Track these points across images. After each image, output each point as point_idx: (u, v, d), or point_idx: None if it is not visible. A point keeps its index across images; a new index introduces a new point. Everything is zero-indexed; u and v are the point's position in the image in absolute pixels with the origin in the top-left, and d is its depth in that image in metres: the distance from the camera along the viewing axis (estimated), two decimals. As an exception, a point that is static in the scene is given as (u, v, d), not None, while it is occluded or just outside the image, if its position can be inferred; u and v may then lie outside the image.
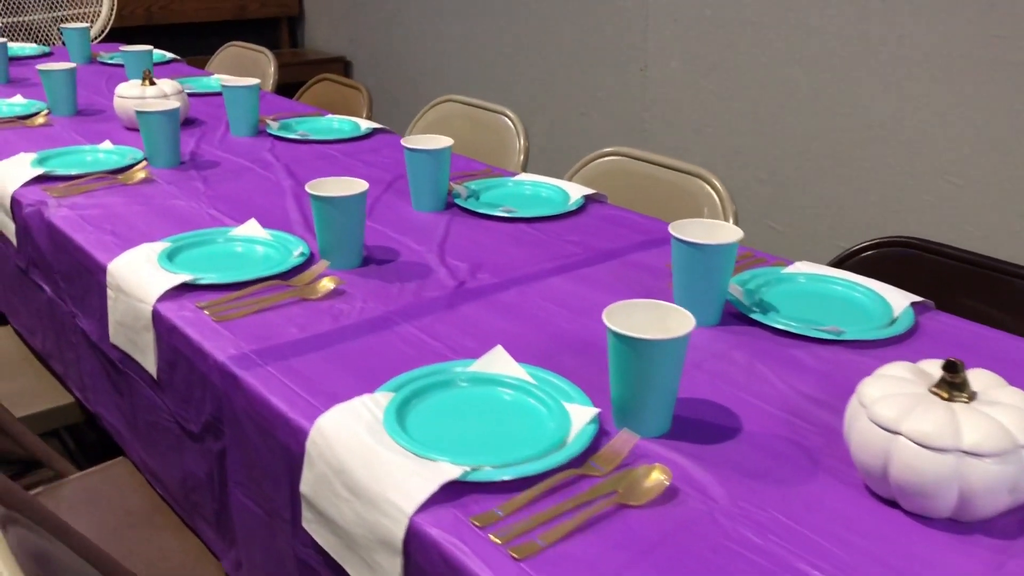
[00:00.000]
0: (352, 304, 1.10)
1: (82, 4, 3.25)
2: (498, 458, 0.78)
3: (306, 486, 0.84)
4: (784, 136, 2.62)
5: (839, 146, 2.46)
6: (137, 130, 1.89)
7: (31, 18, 3.24)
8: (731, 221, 1.51)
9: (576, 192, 1.50)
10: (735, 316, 1.08)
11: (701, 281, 1.04)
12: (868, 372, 0.81)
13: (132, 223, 1.36)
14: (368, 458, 0.79)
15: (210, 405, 1.01)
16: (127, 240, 1.28)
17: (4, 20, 3.20)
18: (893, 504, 0.75)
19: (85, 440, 1.71)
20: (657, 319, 0.84)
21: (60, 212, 1.40)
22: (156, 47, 2.77)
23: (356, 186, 1.20)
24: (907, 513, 0.74)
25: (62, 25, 2.62)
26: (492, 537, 0.70)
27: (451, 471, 0.76)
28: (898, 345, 1.03)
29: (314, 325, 1.05)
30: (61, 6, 3.26)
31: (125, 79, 2.41)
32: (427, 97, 3.82)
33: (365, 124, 1.94)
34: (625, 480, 0.77)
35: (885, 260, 1.35)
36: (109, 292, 1.20)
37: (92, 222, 1.36)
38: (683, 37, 2.89)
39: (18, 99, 2.11)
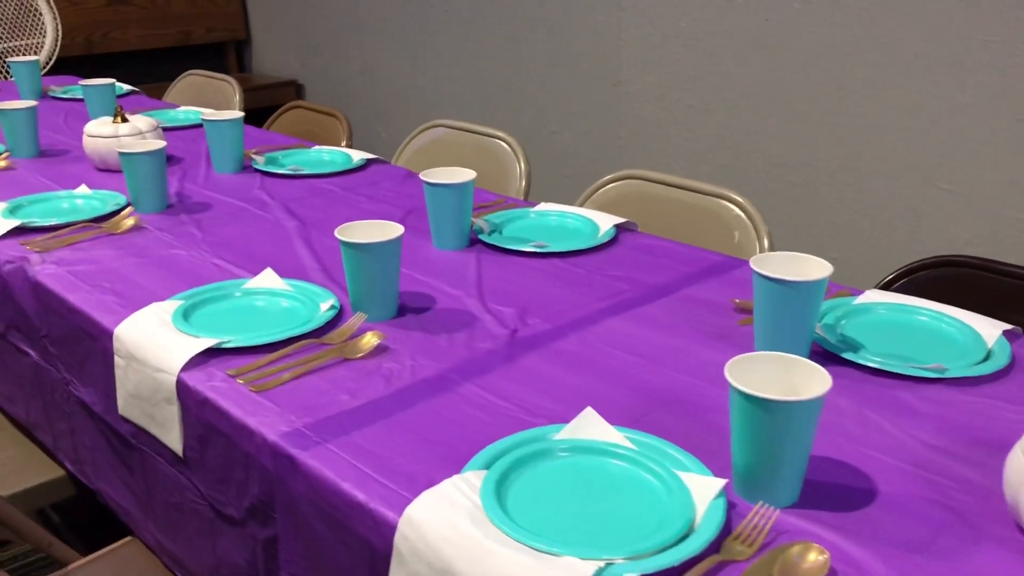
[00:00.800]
0: (401, 362, 0.99)
1: (23, 35, 3.07)
2: (628, 548, 0.68)
3: (399, 588, 0.73)
4: (767, 149, 2.57)
5: (823, 157, 2.42)
6: (111, 171, 1.76)
7: (-31, 52, 3.06)
8: (767, 245, 1.44)
9: (605, 222, 1.41)
10: (822, 356, 1.00)
11: (789, 321, 0.95)
12: (981, 414, 0.75)
13: (130, 279, 1.23)
14: (478, 555, 0.68)
15: (257, 488, 0.89)
16: (130, 299, 1.16)
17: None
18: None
19: (74, 516, 1.57)
20: (780, 372, 0.76)
21: (46, 269, 1.27)
22: (98, 77, 2.62)
23: (390, 230, 1.09)
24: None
25: (10, 59, 2.45)
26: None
27: (580, 569, 0.66)
28: (1003, 381, 0.95)
29: (365, 390, 0.94)
30: (6, 38, 3.08)
31: (83, 114, 2.26)
32: (388, 119, 3.70)
33: (357, 155, 1.82)
34: (778, 562, 0.67)
35: (940, 280, 1.29)
36: (118, 360, 1.07)
37: (85, 279, 1.22)
38: (658, 50, 2.83)
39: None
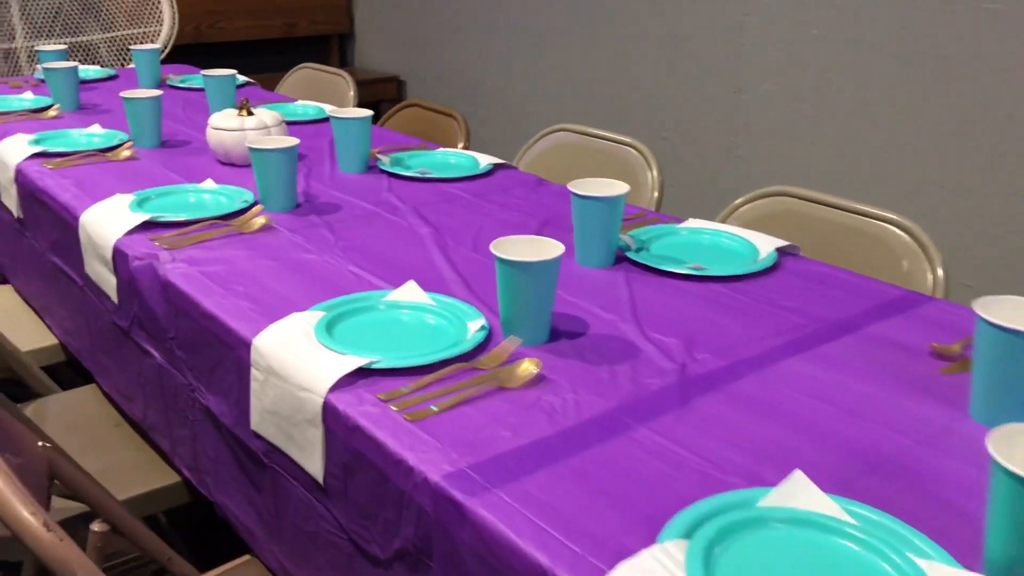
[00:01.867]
0: (563, 396, 0.90)
1: (141, 23, 3.08)
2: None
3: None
4: (897, 165, 2.41)
5: (966, 175, 2.26)
6: (235, 165, 1.71)
7: (89, 38, 3.08)
8: (941, 276, 1.31)
9: (764, 244, 1.30)
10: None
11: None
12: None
13: (265, 283, 1.16)
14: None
15: (411, 530, 0.81)
16: (267, 306, 1.09)
17: (61, 41, 3.03)
18: None
19: (185, 523, 1.52)
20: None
21: (177, 268, 1.21)
22: (205, 65, 2.60)
23: (548, 248, 1.00)
24: None
25: (133, 47, 2.45)
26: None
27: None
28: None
29: (528, 426, 0.85)
30: (119, 25, 3.10)
31: (201, 105, 2.24)
32: (491, 120, 3.61)
33: (483, 159, 1.74)
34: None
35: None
36: (255, 373, 1.00)
37: (219, 281, 1.17)
38: (784, 56, 2.69)
39: (96, 128, 1.93)
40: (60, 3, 3.01)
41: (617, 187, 1.22)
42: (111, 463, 1.41)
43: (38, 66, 2.60)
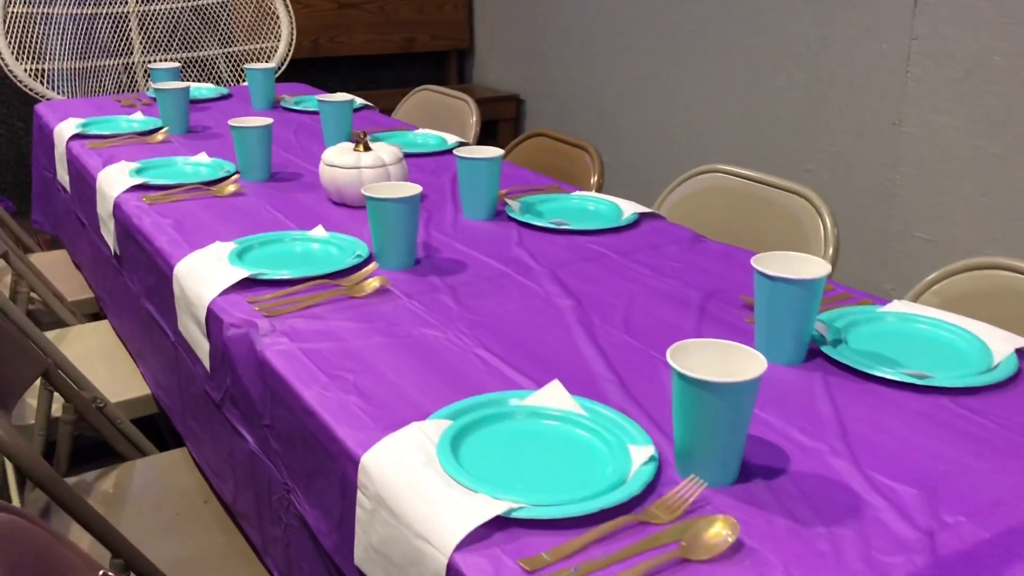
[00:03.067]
0: (770, 571, 0.66)
1: (259, 39, 2.98)
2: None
3: None
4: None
5: None
6: (349, 206, 1.53)
7: (205, 54, 2.99)
8: None
9: (998, 342, 1.02)
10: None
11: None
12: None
13: (379, 371, 0.96)
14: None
15: None
16: (380, 404, 0.89)
17: (177, 56, 2.95)
18: None
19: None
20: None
21: (276, 343, 1.02)
22: (321, 81, 2.46)
23: (749, 365, 0.76)
24: None
25: (247, 66, 2.32)
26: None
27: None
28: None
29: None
30: (236, 41, 3.00)
31: (315, 130, 2.08)
32: (619, 149, 3.35)
33: (627, 207, 1.51)
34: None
35: None
36: (361, 499, 0.80)
37: (323, 365, 0.97)
38: (957, 87, 2.37)
39: (203, 157, 1.79)
40: (178, 18, 2.93)
41: (814, 265, 0.97)
42: (198, 548, 1.24)
43: (152, 84, 2.51)
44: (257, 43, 2.98)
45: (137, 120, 2.14)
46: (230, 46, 2.99)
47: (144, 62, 2.91)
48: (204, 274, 1.20)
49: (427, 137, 2.04)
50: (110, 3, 2.80)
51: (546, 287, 1.20)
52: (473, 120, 2.40)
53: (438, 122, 2.47)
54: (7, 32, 2.53)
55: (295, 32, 2.98)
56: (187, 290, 1.21)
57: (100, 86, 2.83)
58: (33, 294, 1.83)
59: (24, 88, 2.60)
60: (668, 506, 0.73)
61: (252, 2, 2.96)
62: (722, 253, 1.34)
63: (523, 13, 4.18)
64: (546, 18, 3.99)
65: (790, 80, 2.78)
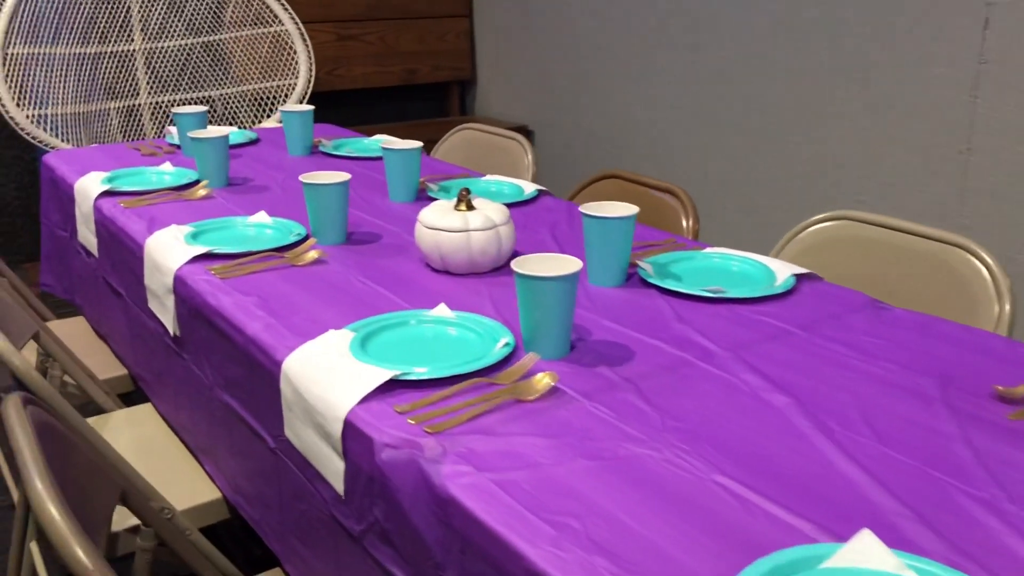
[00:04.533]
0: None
1: (276, 75, 2.76)
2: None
3: None
4: None
5: None
6: (454, 275, 1.32)
7: (217, 93, 2.77)
8: None
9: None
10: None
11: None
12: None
13: (612, 515, 0.75)
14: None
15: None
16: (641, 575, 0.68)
17: (186, 96, 2.73)
18: None
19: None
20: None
21: (459, 475, 0.81)
22: (321, 117, 2.26)
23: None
24: None
25: (283, 108, 2.10)
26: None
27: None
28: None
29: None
30: (250, 79, 2.78)
31: (366, 177, 1.87)
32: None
33: (776, 266, 1.32)
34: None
35: None
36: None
37: (535, 507, 0.76)
38: (1035, 114, 2.24)
39: (262, 217, 1.57)
40: (187, 56, 2.71)
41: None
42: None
43: (170, 128, 2.28)
44: (273, 80, 2.77)
45: (168, 172, 1.91)
46: (244, 84, 2.77)
47: (151, 103, 2.68)
48: (332, 377, 0.99)
49: (500, 185, 1.84)
50: (115, 41, 2.57)
51: (743, 378, 1.00)
52: (528, 160, 2.21)
53: (487, 163, 2.28)
54: (7, 75, 2.29)
55: (314, 68, 2.77)
56: (307, 394, 1.00)
57: (106, 131, 2.59)
58: (66, 376, 1.60)
59: (26, 136, 2.36)
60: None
61: (267, 37, 2.75)
62: (917, 324, 1.15)
63: (528, 41, 4.02)
64: (552, 45, 3.83)
65: (838, 102, 2.62)
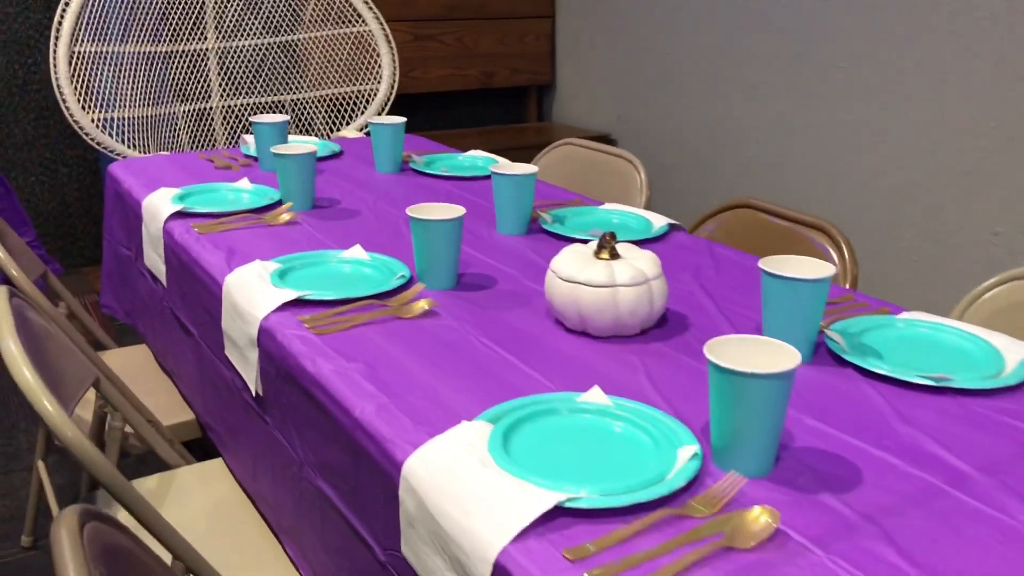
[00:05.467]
0: None
1: (357, 80, 2.55)
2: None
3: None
4: None
5: None
6: (592, 337, 1.09)
7: (293, 97, 2.57)
8: None
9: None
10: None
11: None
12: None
13: None
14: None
15: None
16: None
17: (260, 100, 2.53)
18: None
19: None
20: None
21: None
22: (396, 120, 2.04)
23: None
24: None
25: (371, 120, 1.89)
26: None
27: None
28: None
29: None
30: (329, 83, 2.58)
31: (465, 200, 1.64)
32: (725, 196, 2.89)
33: (1005, 345, 1.06)
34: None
35: None
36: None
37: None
38: None
39: (357, 252, 1.35)
40: (263, 57, 2.51)
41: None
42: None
43: (245, 138, 2.09)
44: (353, 85, 2.56)
45: (246, 190, 1.71)
46: (322, 88, 2.57)
47: (223, 107, 2.48)
48: (475, 502, 0.75)
49: (624, 216, 1.59)
50: (187, 40, 2.38)
51: (1020, 518, 0.74)
52: (641, 182, 1.96)
53: (592, 185, 2.04)
54: (73, 75, 2.11)
55: (398, 73, 2.56)
56: (440, 516, 0.76)
57: (174, 136, 2.41)
58: (128, 427, 1.39)
59: (90, 141, 2.18)
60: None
61: (349, 38, 2.54)
62: None
63: (613, 44, 3.77)
64: (639, 49, 3.58)
65: (973, 126, 2.33)
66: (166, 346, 1.66)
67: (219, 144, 2.49)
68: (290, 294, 1.17)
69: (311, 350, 1.05)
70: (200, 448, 1.58)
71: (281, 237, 1.47)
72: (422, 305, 1.16)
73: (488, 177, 1.87)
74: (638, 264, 1.10)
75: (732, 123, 3.06)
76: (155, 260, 1.60)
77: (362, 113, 2.53)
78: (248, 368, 1.19)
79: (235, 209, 1.58)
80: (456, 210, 1.24)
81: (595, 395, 0.91)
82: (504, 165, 1.50)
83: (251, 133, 1.95)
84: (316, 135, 2.57)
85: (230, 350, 1.25)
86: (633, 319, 1.08)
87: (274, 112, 2.55)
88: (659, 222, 1.53)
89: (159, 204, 1.61)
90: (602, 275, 1.07)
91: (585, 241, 1.29)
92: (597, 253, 1.12)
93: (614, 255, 1.11)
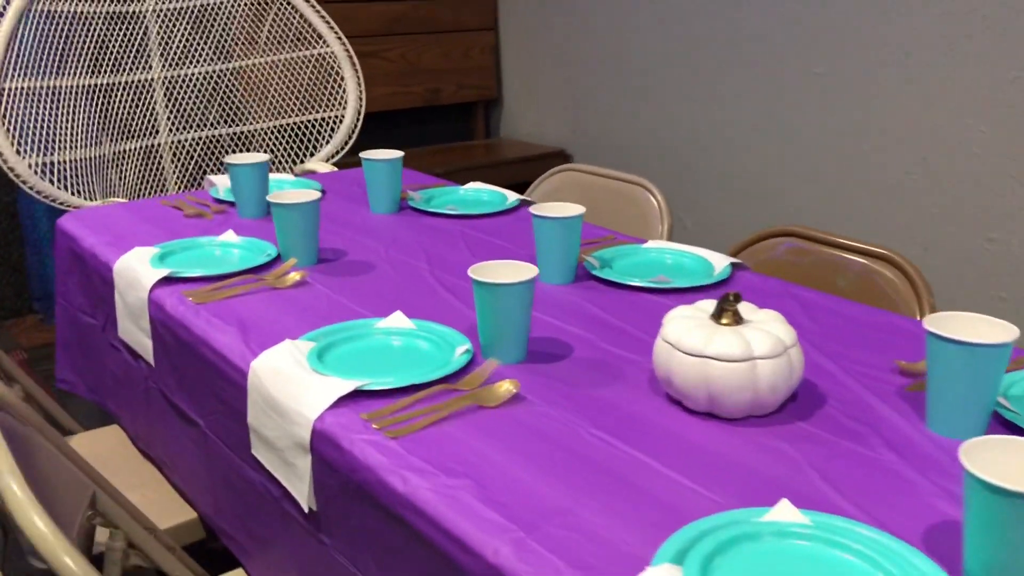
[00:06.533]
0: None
1: (319, 107, 2.33)
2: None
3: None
4: None
5: None
6: (718, 417, 0.91)
7: (249, 128, 2.33)
8: None
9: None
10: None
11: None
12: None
13: None
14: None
15: None
16: None
17: (213, 133, 2.28)
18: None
19: None
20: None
21: None
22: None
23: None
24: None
25: (364, 155, 1.68)
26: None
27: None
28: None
29: None
30: (289, 111, 2.35)
31: (486, 244, 1.44)
32: (693, 206, 2.80)
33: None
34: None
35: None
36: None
37: None
38: None
39: (400, 320, 1.14)
40: (215, 85, 2.26)
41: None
42: None
43: (212, 179, 1.85)
44: (316, 112, 2.33)
45: (236, 244, 1.48)
46: (282, 117, 2.33)
47: (172, 142, 2.23)
48: None
49: (679, 256, 1.42)
50: (130, 69, 2.12)
51: None
52: (660, 210, 1.80)
53: (608, 216, 1.87)
54: (3, 116, 1.83)
55: (364, 97, 2.34)
56: None
57: (121, 179, 2.14)
58: (131, 548, 1.16)
59: (29, 191, 1.90)
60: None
61: (309, 61, 2.31)
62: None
63: (562, 56, 3.63)
64: (589, 57, 3.44)
65: (957, 118, 2.25)
66: (152, 432, 1.42)
67: (170, 185, 2.23)
68: (344, 385, 0.96)
69: (394, 462, 0.85)
70: (203, 554, 1.35)
71: (295, 302, 1.25)
72: (508, 388, 0.97)
73: (500, 214, 1.69)
74: (771, 329, 0.93)
75: (701, 131, 2.94)
76: (136, 334, 1.37)
77: (327, 142, 2.31)
78: (295, 478, 0.98)
79: (231, 270, 1.35)
80: (526, 270, 1.05)
81: (784, 511, 0.73)
82: (546, 206, 1.31)
83: (217, 172, 1.72)
84: (278, 169, 2.34)
85: (263, 452, 1.04)
86: (773, 396, 0.91)
87: (230, 146, 2.31)
88: (720, 262, 1.37)
89: (137, 268, 1.37)
90: (736, 347, 0.90)
91: (646, 289, 1.27)
92: (718, 318, 0.94)
93: (737, 318, 0.94)
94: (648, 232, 1.77)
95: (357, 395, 0.96)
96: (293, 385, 0.99)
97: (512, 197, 1.76)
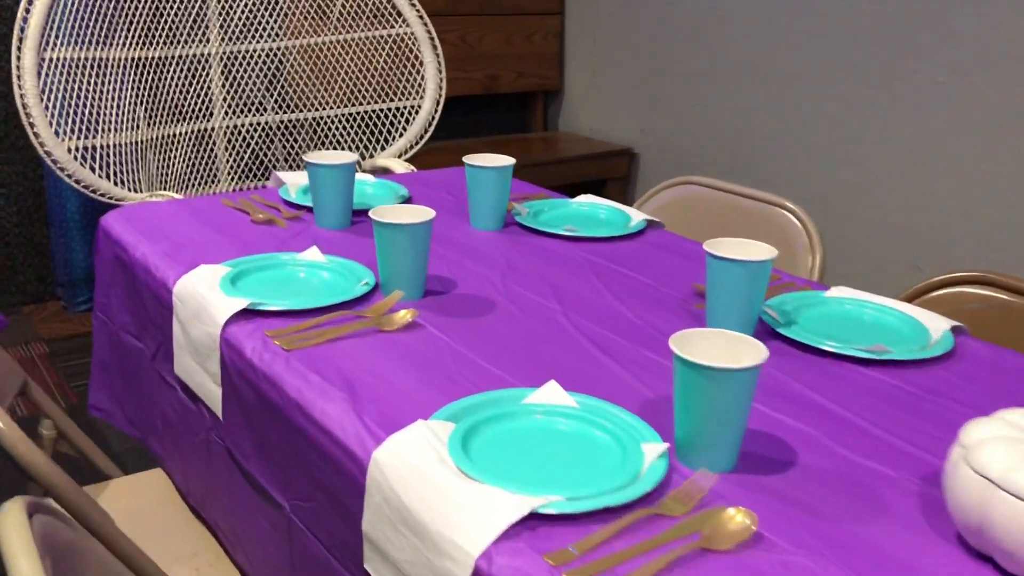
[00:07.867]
0: None
1: (395, 95, 2.06)
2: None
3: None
4: None
5: None
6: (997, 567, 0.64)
7: (315, 115, 2.06)
8: None
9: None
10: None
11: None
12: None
13: None
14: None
15: None
16: None
17: (272, 119, 2.01)
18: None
19: None
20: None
21: None
22: None
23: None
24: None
25: (467, 160, 1.41)
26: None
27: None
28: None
29: None
30: (361, 98, 2.07)
31: (607, 272, 1.16)
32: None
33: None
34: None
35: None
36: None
37: None
38: None
39: (555, 392, 0.86)
40: (278, 63, 1.99)
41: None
42: None
43: (280, 175, 1.58)
44: (390, 101, 2.06)
45: (323, 266, 1.21)
46: (352, 105, 2.06)
47: (227, 127, 1.96)
48: None
49: (881, 314, 1.13)
50: (185, 42, 1.85)
51: None
52: (808, 237, 1.53)
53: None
54: (44, 91, 1.57)
55: (444, 84, 2.07)
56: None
57: (169, 167, 1.87)
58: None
59: (67, 178, 1.64)
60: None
61: (386, 41, 2.04)
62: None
63: (637, 46, 3.35)
64: (673, 52, 3.17)
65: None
66: (211, 494, 1.16)
67: (222, 175, 1.96)
68: (520, 505, 0.69)
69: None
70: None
71: (409, 353, 0.98)
72: (741, 521, 0.70)
73: (624, 237, 1.42)
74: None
75: (783, 134, 2.66)
76: (198, 375, 1.10)
77: (400, 135, 2.04)
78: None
79: (323, 304, 1.08)
80: (757, 349, 0.77)
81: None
82: (718, 243, 1.04)
83: (275, 164, 1.46)
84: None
85: (378, 566, 0.77)
86: None
87: (290, 134, 2.04)
88: (938, 326, 1.08)
89: (205, 295, 1.10)
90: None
91: (853, 359, 0.99)
92: None
93: (1076, 445, 0.67)
94: (794, 266, 1.49)
95: (535, 517, 0.70)
96: (442, 499, 0.72)
97: (636, 218, 1.49)
